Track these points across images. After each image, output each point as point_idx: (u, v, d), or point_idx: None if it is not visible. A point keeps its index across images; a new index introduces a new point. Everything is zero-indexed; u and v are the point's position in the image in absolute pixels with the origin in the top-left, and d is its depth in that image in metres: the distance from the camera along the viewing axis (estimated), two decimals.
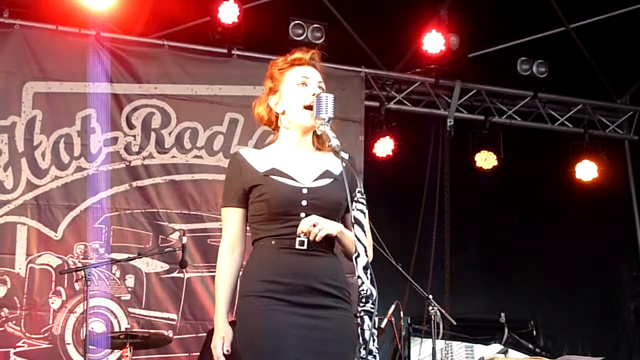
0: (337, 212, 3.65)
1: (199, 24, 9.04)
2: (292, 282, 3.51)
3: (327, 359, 3.48)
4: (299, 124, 3.71)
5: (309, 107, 3.62)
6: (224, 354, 3.58)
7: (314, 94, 3.61)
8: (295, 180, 3.62)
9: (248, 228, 3.74)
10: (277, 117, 3.80)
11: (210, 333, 7.15)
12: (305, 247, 3.55)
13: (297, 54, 3.79)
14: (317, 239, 3.47)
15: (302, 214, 3.55)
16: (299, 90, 3.71)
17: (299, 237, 3.53)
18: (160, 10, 8.78)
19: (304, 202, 3.58)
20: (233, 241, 3.71)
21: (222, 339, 3.61)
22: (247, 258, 3.73)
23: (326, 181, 3.63)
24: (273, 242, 3.58)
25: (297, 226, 3.52)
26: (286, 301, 3.49)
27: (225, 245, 3.71)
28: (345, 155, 3.60)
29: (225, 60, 9.02)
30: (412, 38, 9.48)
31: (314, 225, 3.46)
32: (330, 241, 3.60)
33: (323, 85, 3.76)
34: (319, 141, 3.75)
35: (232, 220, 3.72)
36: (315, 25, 9.00)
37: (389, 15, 9.11)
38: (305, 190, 3.60)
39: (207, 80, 8.88)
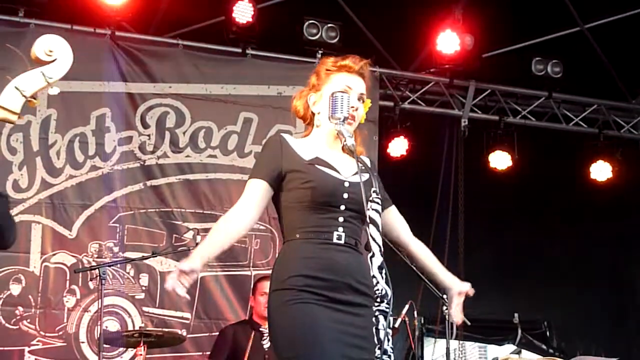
0: None
1: (213, 24, 9.06)
2: (331, 278, 3.47)
3: (368, 356, 3.41)
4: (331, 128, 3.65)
5: None
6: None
7: (332, 94, 3.59)
8: (339, 172, 3.60)
9: (283, 219, 3.63)
10: (312, 115, 3.77)
11: (222, 332, 7.22)
12: (342, 241, 3.52)
13: (348, 61, 3.74)
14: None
15: (342, 207, 3.55)
16: None
17: (337, 231, 3.51)
18: (174, 10, 8.80)
19: (346, 195, 3.56)
20: (248, 204, 3.57)
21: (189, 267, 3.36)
22: (280, 248, 3.65)
23: (364, 176, 3.55)
24: (311, 235, 3.53)
25: (336, 218, 3.53)
26: (325, 296, 3.45)
27: (237, 205, 3.57)
28: (366, 160, 3.66)
29: (239, 60, 9.00)
30: (427, 38, 9.48)
31: None
32: (360, 238, 3.59)
33: (365, 97, 3.73)
34: None
35: (255, 189, 3.59)
36: (329, 25, 9.00)
37: (404, 15, 9.10)
38: (347, 184, 3.59)
39: (221, 79, 8.87)
